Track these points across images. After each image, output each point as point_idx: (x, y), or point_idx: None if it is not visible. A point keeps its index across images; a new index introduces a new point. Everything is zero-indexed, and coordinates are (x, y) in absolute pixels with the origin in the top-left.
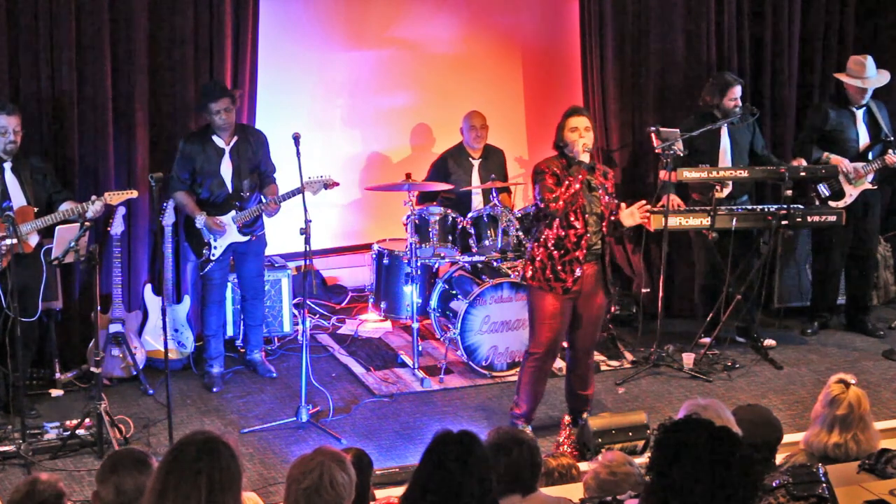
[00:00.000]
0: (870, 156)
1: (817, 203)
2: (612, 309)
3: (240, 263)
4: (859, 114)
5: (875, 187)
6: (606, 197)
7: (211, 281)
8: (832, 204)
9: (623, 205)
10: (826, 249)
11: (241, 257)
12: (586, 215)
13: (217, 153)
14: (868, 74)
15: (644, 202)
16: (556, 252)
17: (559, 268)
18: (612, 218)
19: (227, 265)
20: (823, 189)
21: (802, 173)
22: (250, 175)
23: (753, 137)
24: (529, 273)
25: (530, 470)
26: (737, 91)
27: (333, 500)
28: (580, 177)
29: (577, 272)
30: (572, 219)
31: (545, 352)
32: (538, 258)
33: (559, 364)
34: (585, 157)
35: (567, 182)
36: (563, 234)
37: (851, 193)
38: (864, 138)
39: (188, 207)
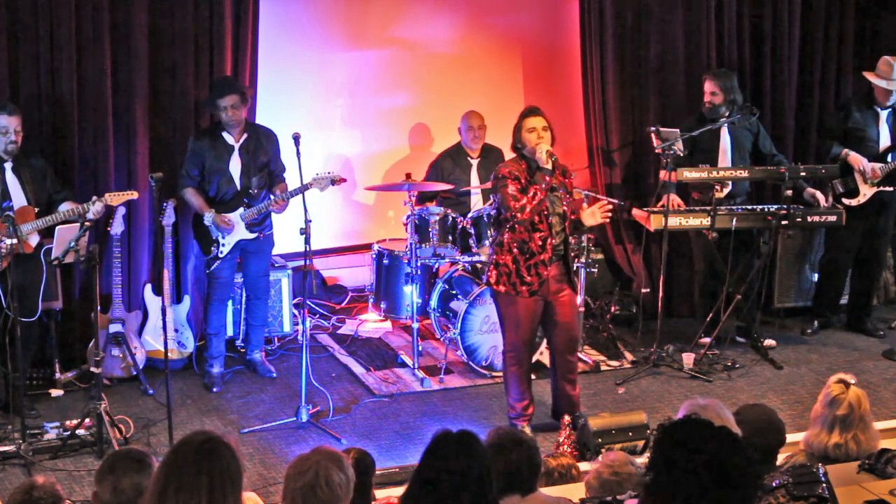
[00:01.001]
0: (889, 157)
1: (831, 199)
2: (612, 309)
3: (246, 262)
4: (883, 114)
5: (891, 189)
6: (567, 196)
7: (218, 279)
8: (846, 201)
9: (585, 205)
10: (837, 248)
11: (247, 256)
12: (550, 217)
13: (226, 150)
14: (895, 76)
15: (605, 201)
16: (520, 256)
17: (524, 272)
18: (573, 217)
19: (234, 264)
20: (838, 185)
21: (802, 174)
22: (259, 173)
23: (758, 138)
24: (494, 278)
25: (529, 470)
26: (709, 85)
27: (329, 500)
28: (544, 185)
29: (544, 274)
30: (537, 221)
31: (521, 353)
32: (502, 263)
33: None
34: (549, 164)
35: (533, 190)
36: (527, 238)
37: (866, 193)
38: (885, 139)
39: (197, 204)
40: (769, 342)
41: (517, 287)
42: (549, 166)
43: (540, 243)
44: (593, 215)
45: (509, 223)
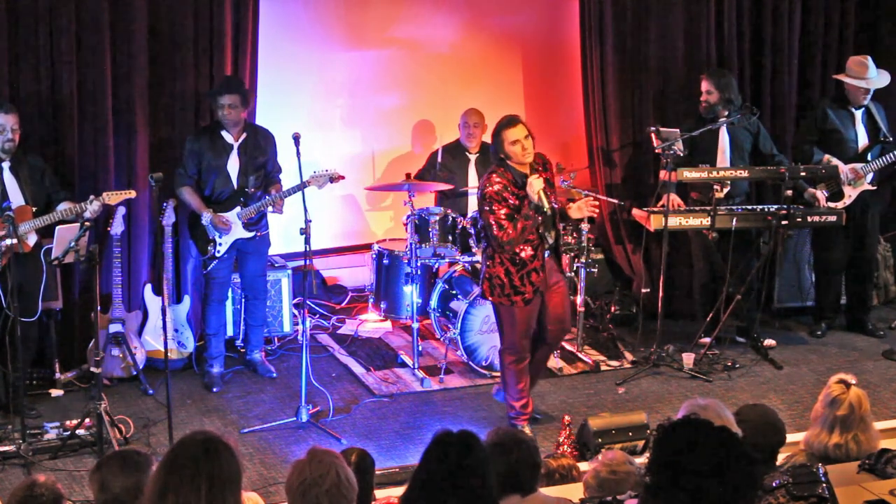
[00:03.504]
0: (868, 157)
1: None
2: (612, 309)
3: (243, 262)
4: (858, 114)
5: (874, 188)
6: (551, 189)
7: (214, 280)
8: (831, 204)
9: (572, 202)
10: (826, 250)
11: (244, 257)
12: (539, 223)
13: (225, 149)
14: (870, 75)
15: (593, 196)
16: (512, 268)
17: (517, 282)
18: (558, 208)
19: (231, 264)
20: (822, 190)
21: (802, 173)
22: (256, 172)
23: (758, 139)
24: (489, 291)
25: (530, 470)
26: (705, 84)
27: (350, 496)
28: (535, 222)
29: (537, 282)
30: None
31: (520, 352)
32: (495, 275)
33: (559, 364)
34: (546, 205)
35: (522, 225)
36: (518, 249)
37: (850, 194)
38: (862, 139)
39: (194, 204)
40: (769, 342)
41: (511, 298)
42: (546, 207)
43: (532, 253)
44: (580, 210)
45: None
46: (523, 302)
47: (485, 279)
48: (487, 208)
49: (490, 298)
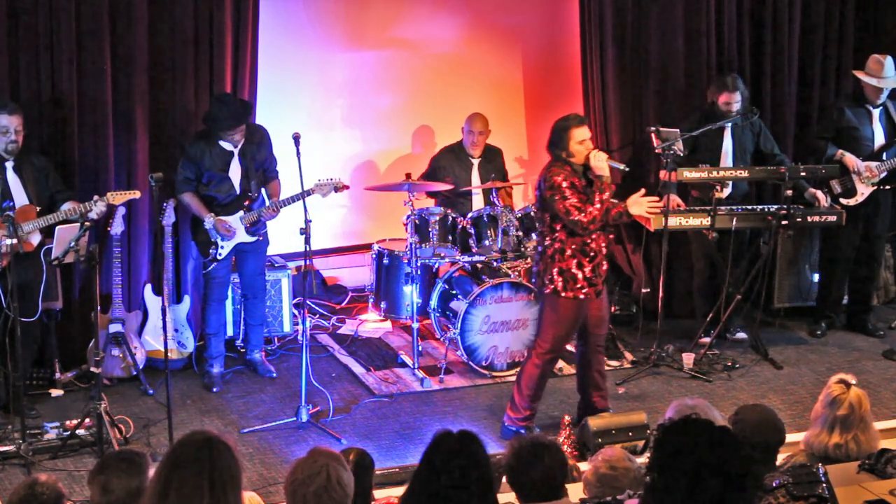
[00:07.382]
0: (884, 156)
1: (829, 199)
2: (613, 309)
3: (241, 262)
4: (876, 113)
5: (888, 188)
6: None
7: (214, 279)
8: (843, 201)
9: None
10: (834, 248)
11: (243, 256)
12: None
13: (225, 155)
14: (886, 74)
15: (655, 198)
16: (584, 259)
17: (590, 274)
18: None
19: (229, 264)
20: (835, 186)
21: (802, 173)
22: (257, 174)
23: (759, 139)
24: (561, 287)
25: (560, 475)
26: (730, 97)
27: (341, 499)
28: (609, 193)
29: (604, 272)
30: None
31: (560, 349)
32: (568, 269)
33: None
34: (608, 171)
35: (598, 199)
36: (588, 239)
37: (863, 192)
38: (879, 137)
39: (196, 208)
40: (740, 336)
41: (584, 290)
42: (608, 173)
43: (604, 243)
44: (639, 205)
45: (565, 228)
46: (595, 294)
47: (551, 274)
48: (559, 196)
49: (564, 294)
